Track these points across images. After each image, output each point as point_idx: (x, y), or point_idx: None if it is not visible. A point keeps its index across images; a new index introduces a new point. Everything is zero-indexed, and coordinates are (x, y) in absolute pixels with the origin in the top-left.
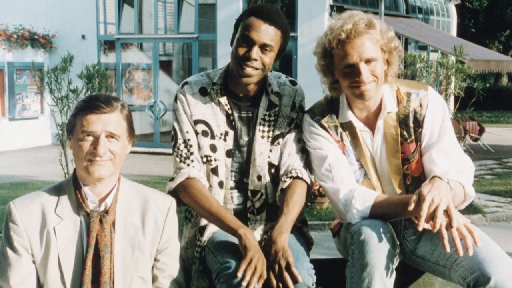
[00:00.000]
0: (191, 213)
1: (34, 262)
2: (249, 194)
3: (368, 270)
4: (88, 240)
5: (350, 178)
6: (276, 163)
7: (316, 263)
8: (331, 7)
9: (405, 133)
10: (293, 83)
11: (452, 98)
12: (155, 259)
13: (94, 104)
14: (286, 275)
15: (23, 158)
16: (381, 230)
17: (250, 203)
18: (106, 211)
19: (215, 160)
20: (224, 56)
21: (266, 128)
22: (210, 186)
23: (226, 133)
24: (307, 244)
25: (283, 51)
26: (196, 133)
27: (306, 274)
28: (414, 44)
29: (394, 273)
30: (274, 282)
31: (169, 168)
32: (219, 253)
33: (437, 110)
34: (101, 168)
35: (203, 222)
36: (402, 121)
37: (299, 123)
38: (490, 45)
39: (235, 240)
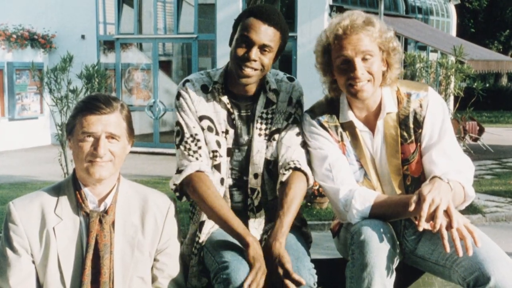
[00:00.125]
0: (193, 211)
1: (33, 262)
2: (249, 192)
3: (368, 270)
4: (88, 240)
5: (350, 178)
6: (272, 159)
7: (316, 263)
8: (331, 7)
9: (405, 133)
10: (291, 79)
11: (451, 98)
12: (155, 259)
13: (94, 104)
14: (286, 282)
15: (22, 158)
16: (381, 230)
17: (250, 201)
18: (106, 211)
19: (220, 156)
20: (223, 56)
21: (263, 126)
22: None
23: (227, 132)
24: (307, 242)
25: (282, 51)
26: (202, 129)
27: (308, 274)
28: (414, 44)
29: (394, 273)
30: None
31: (169, 168)
32: (217, 253)
33: (437, 110)
34: (102, 169)
35: (203, 217)
36: (402, 122)
37: (297, 117)
38: (489, 45)
39: (233, 240)
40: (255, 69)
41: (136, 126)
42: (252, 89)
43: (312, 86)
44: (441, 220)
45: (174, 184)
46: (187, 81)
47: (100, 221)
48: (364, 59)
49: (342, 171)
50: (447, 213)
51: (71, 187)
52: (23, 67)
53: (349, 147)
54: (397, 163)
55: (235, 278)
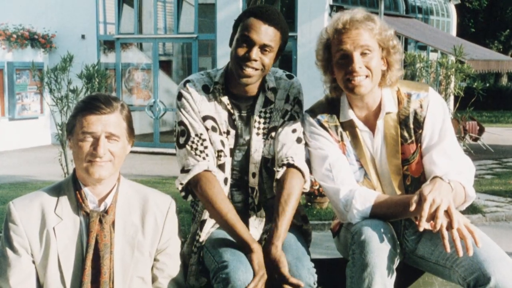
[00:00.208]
0: (194, 210)
1: (33, 262)
2: (249, 191)
3: (368, 270)
4: (88, 240)
5: (351, 178)
6: (270, 157)
7: (316, 263)
8: (331, 7)
9: (405, 133)
10: (290, 76)
11: (451, 98)
12: (155, 259)
13: (94, 104)
14: (284, 286)
15: (22, 158)
16: (382, 230)
17: (251, 200)
18: (106, 211)
19: (224, 156)
20: (223, 56)
21: (262, 125)
22: None
23: (228, 132)
24: (307, 241)
25: (282, 51)
26: (206, 129)
27: (307, 273)
28: (414, 44)
29: (395, 273)
30: None
31: (169, 168)
32: (217, 253)
33: (437, 111)
34: (101, 169)
35: (205, 216)
36: (403, 122)
37: (294, 115)
38: (489, 45)
39: (233, 240)
40: (256, 69)
41: (136, 126)
42: (252, 89)
43: (312, 86)
44: (442, 220)
45: (181, 184)
46: (188, 81)
47: (100, 221)
48: (363, 54)
49: (343, 171)
50: (447, 213)
51: (71, 187)
52: (23, 67)
53: (349, 147)
54: (397, 163)
55: (234, 278)
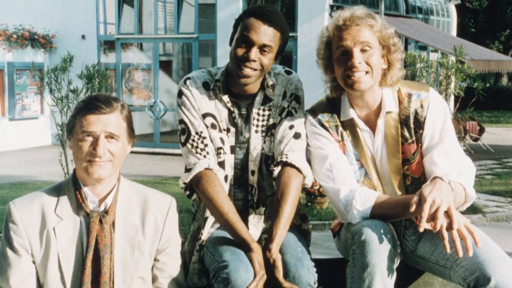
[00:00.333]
0: (196, 208)
1: (34, 262)
2: (249, 188)
3: (369, 270)
4: (88, 240)
5: (351, 178)
6: (270, 154)
7: (316, 263)
8: (331, 7)
9: (406, 133)
10: (288, 72)
11: (452, 98)
12: (155, 259)
13: (93, 104)
14: None
15: (23, 158)
16: (382, 230)
17: (250, 197)
18: (106, 211)
19: (224, 153)
20: (224, 56)
21: (260, 123)
22: None
23: (228, 130)
24: (307, 240)
25: (282, 52)
26: (206, 126)
27: (307, 273)
28: (414, 44)
29: (395, 273)
30: None
31: (170, 168)
32: (217, 253)
33: (438, 111)
34: (101, 169)
35: (207, 213)
36: (403, 122)
37: (291, 111)
38: (490, 45)
39: (233, 239)
40: (255, 69)
41: (136, 126)
42: (252, 88)
43: (312, 86)
44: (442, 221)
45: (184, 183)
46: (188, 78)
47: (100, 221)
48: (363, 50)
49: (343, 171)
50: (447, 213)
51: (71, 187)
52: (23, 67)
53: (349, 147)
54: (397, 162)
55: (234, 278)
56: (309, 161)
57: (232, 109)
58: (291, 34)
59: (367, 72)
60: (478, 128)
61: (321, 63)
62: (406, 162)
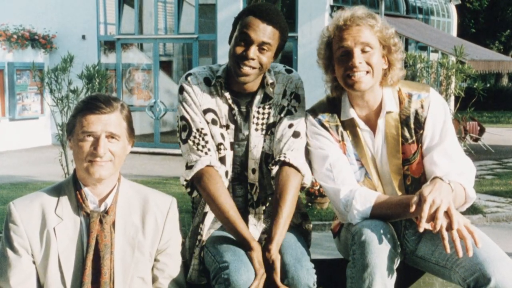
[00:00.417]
0: (195, 205)
1: (34, 262)
2: (249, 187)
3: (369, 270)
4: (88, 241)
5: (351, 178)
6: (271, 152)
7: (316, 263)
8: (332, 7)
9: (406, 133)
10: (289, 71)
11: (452, 98)
12: (155, 260)
13: (94, 104)
14: None
15: (23, 159)
16: (382, 230)
17: (250, 196)
18: (106, 212)
19: (224, 149)
20: (224, 56)
21: (260, 121)
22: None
23: (228, 127)
24: (307, 240)
25: (281, 50)
26: (207, 122)
27: (306, 274)
28: (415, 44)
29: (395, 273)
30: None
31: (170, 168)
32: (218, 253)
33: (438, 111)
34: (102, 169)
35: (206, 208)
36: (404, 122)
37: (291, 110)
38: (490, 45)
39: (233, 240)
40: (253, 68)
41: (136, 126)
42: (251, 86)
43: (313, 86)
44: (442, 221)
45: (186, 180)
46: (190, 74)
47: (101, 221)
48: (363, 50)
49: (343, 171)
50: (447, 214)
51: (71, 187)
52: (23, 67)
53: (349, 147)
54: (397, 163)
55: (235, 279)
56: (309, 160)
57: (232, 106)
58: (291, 34)
59: (367, 72)
60: (479, 128)
61: (321, 63)
62: (407, 162)
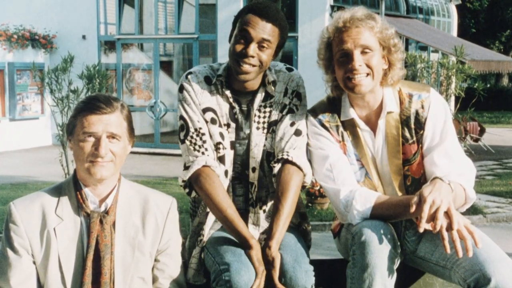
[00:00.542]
0: (196, 204)
1: (34, 262)
2: (249, 186)
3: (369, 270)
4: (89, 241)
5: (351, 178)
6: (272, 151)
7: (316, 263)
8: (332, 7)
9: (406, 134)
10: (289, 70)
11: (452, 98)
12: (156, 260)
13: (94, 104)
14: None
15: (23, 159)
16: (382, 231)
17: (250, 195)
18: (107, 212)
19: (224, 148)
20: (224, 56)
21: (261, 120)
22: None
23: (228, 125)
24: (306, 241)
25: (281, 48)
26: (206, 122)
27: (304, 276)
28: (415, 44)
29: (395, 273)
30: None
31: (170, 168)
32: (218, 254)
33: (439, 112)
34: (103, 169)
35: (208, 209)
36: (404, 122)
37: (292, 108)
38: (490, 45)
39: (233, 241)
40: (253, 65)
41: (136, 126)
42: (252, 84)
43: (313, 86)
44: (442, 222)
45: (183, 181)
46: (190, 73)
47: (101, 222)
48: (363, 53)
49: (343, 171)
50: (447, 214)
51: (71, 188)
52: (24, 67)
53: (350, 147)
54: (398, 163)
55: (236, 280)
56: (309, 160)
57: (233, 104)
58: (291, 34)
59: (368, 74)
60: (479, 128)
61: (321, 63)
62: (407, 163)
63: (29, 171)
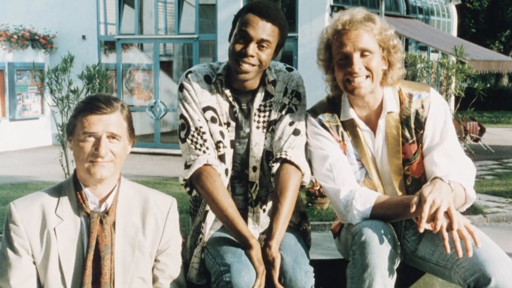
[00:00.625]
0: (196, 204)
1: (34, 263)
2: (249, 185)
3: (369, 270)
4: (89, 241)
5: (351, 178)
6: (272, 150)
7: (316, 263)
8: (332, 7)
9: (406, 134)
10: (289, 69)
11: (452, 98)
12: (156, 260)
13: (94, 105)
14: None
15: (23, 159)
16: (382, 231)
17: (250, 194)
18: (107, 212)
19: (224, 147)
20: (224, 57)
21: (261, 119)
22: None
23: (228, 124)
24: (306, 241)
25: (281, 48)
26: (206, 120)
27: (304, 276)
28: (415, 44)
29: (395, 273)
30: None
31: (170, 168)
32: (218, 255)
33: (439, 112)
34: (103, 169)
35: (207, 207)
36: (404, 122)
37: (292, 108)
38: (490, 45)
39: (233, 241)
40: (253, 65)
41: (136, 126)
42: (251, 84)
43: (313, 86)
44: (442, 221)
45: (184, 180)
46: (190, 72)
47: (101, 222)
48: (362, 55)
49: (343, 171)
50: (447, 214)
51: (71, 188)
52: (24, 68)
53: (350, 147)
54: (398, 163)
55: (237, 281)
56: (309, 160)
57: (233, 103)
58: (291, 34)
59: (367, 77)
60: (479, 128)
61: (321, 64)
62: (407, 163)
63: (29, 171)
